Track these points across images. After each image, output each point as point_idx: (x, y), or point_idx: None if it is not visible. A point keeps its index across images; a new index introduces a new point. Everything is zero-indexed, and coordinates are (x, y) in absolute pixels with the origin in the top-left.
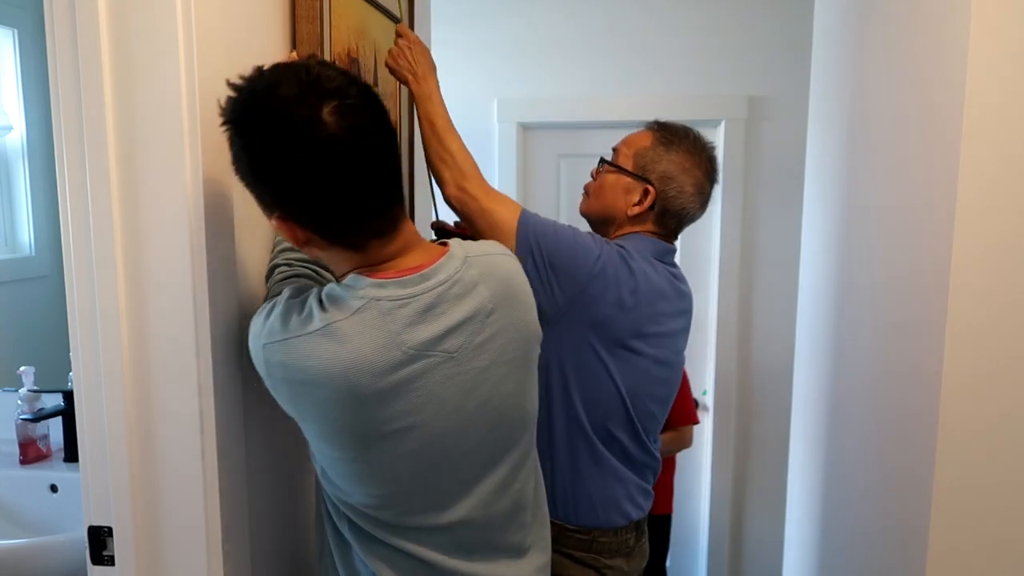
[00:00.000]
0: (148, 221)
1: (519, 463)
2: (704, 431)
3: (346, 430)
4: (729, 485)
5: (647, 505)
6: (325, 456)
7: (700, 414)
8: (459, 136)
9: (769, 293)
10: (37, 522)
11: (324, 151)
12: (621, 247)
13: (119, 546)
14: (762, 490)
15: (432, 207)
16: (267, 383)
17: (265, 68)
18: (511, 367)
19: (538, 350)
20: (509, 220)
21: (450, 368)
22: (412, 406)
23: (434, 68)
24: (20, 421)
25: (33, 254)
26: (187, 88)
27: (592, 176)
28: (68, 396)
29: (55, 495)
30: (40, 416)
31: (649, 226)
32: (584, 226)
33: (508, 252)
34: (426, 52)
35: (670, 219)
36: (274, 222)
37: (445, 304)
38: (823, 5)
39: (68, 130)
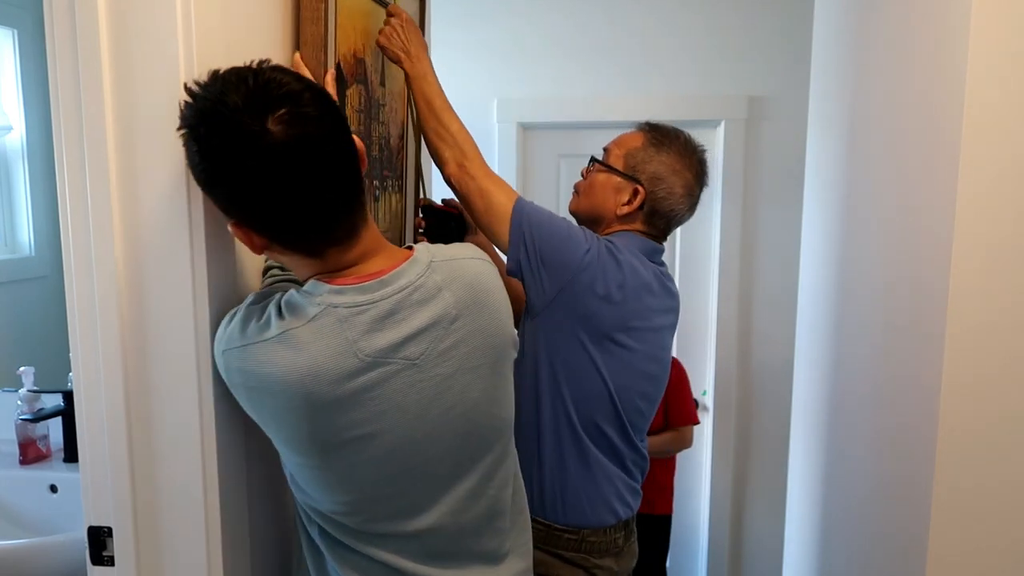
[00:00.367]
0: (148, 221)
1: (492, 470)
2: (704, 431)
3: (306, 437)
4: (729, 485)
5: (636, 504)
6: (292, 462)
7: (700, 414)
8: (457, 115)
9: (769, 293)
10: (37, 522)
11: (271, 161)
12: (610, 242)
13: (119, 546)
14: (762, 490)
15: (420, 186)
16: (230, 389)
17: (220, 73)
18: (478, 374)
19: (512, 355)
20: (505, 204)
21: (411, 375)
22: (372, 414)
23: (426, 48)
24: (20, 421)
25: (33, 254)
26: None
27: (582, 175)
28: (68, 396)
29: (55, 495)
30: (40, 416)
31: (638, 225)
32: None
33: (479, 256)
34: (418, 32)
35: (659, 220)
36: (230, 228)
37: (405, 310)
38: (823, 5)
39: (68, 130)
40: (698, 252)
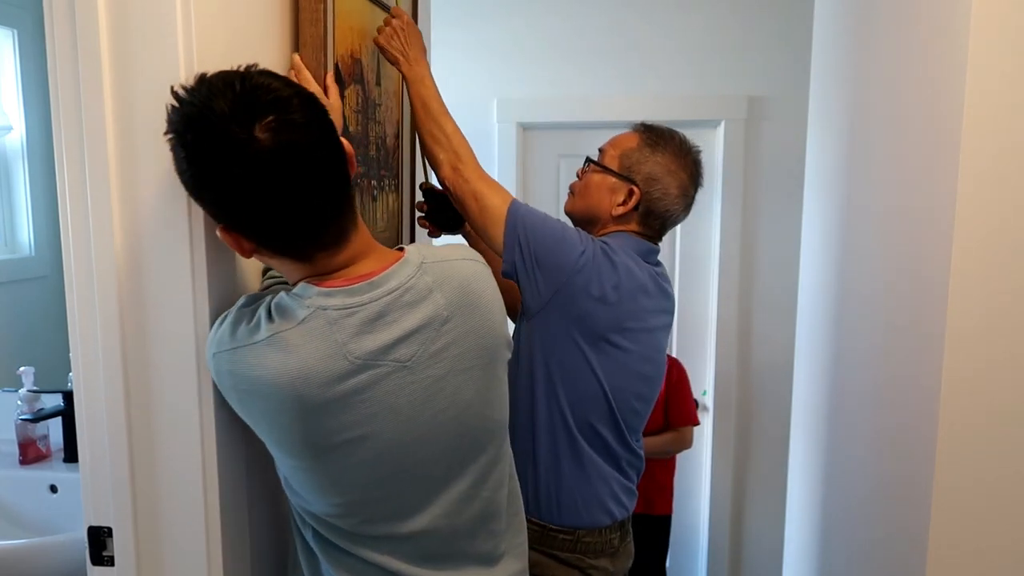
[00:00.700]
0: (148, 221)
1: (486, 471)
2: (704, 431)
3: (297, 440)
4: (729, 485)
5: (632, 504)
6: (284, 465)
7: (700, 414)
8: (453, 118)
9: (769, 293)
10: (37, 522)
11: (258, 168)
12: (605, 243)
13: (119, 546)
14: (762, 490)
15: (422, 169)
16: (222, 392)
17: (206, 77)
18: (470, 375)
19: (506, 356)
20: (499, 207)
21: (402, 377)
22: (363, 416)
23: (425, 51)
24: (20, 421)
25: (33, 254)
26: None
27: (578, 176)
28: (68, 396)
29: (55, 495)
30: (40, 416)
31: (633, 226)
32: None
33: (472, 257)
34: (418, 35)
35: (654, 220)
36: (219, 232)
37: (396, 312)
38: (823, 5)
39: (68, 130)
40: (698, 252)
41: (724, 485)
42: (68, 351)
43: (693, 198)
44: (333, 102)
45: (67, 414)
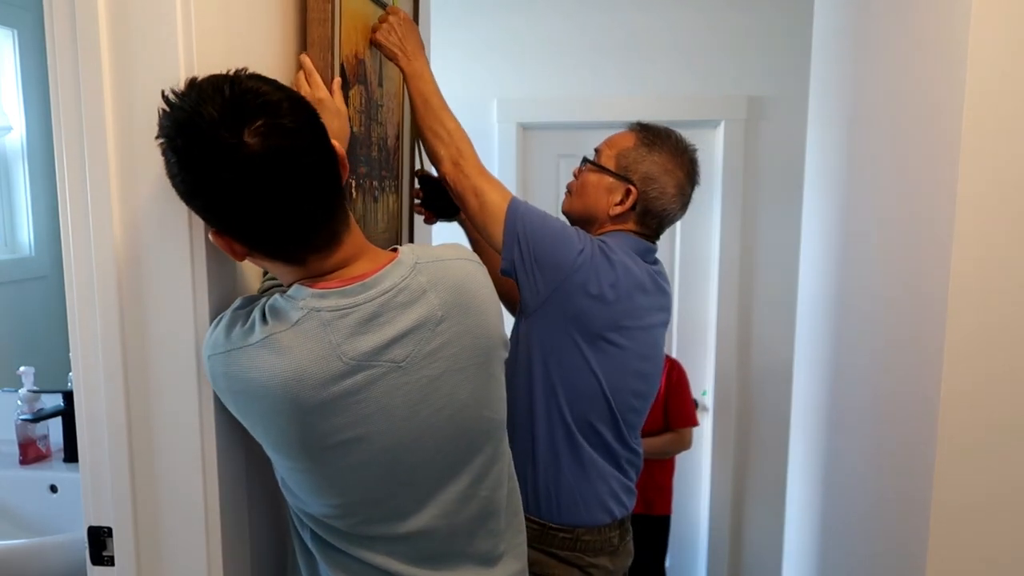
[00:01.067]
0: (148, 221)
1: (484, 471)
2: (704, 432)
3: (293, 441)
4: (729, 486)
5: (631, 503)
6: (281, 466)
7: (700, 415)
8: (453, 114)
9: (769, 294)
10: (37, 522)
11: (249, 173)
12: (603, 242)
13: (119, 546)
14: (762, 491)
15: (418, 156)
16: (218, 394)
17: (196, 81)
18: (466, 375)
19: (502, 355)
20: (499, 204)
21: (397, 378)
22: (358, 417)
23: (422, 47)
24: (20, 421)
25: (33, 254)
26: None
27: (574, 175)
28: (68, 396)
29: (55, 495)
30: (40, 416)
31: (631, 225)
32: None
33: (466, 256)
34: (415, 30)
35: (651, 219)
36: (211, 236)
37: (390, 313)
38: (823, 5)
39: (68, 130)
40: (698, 252)
41: (724, 485)
42: (68, 351)
43: (690, 197)
44: (340, 107)
45: (67, 414)
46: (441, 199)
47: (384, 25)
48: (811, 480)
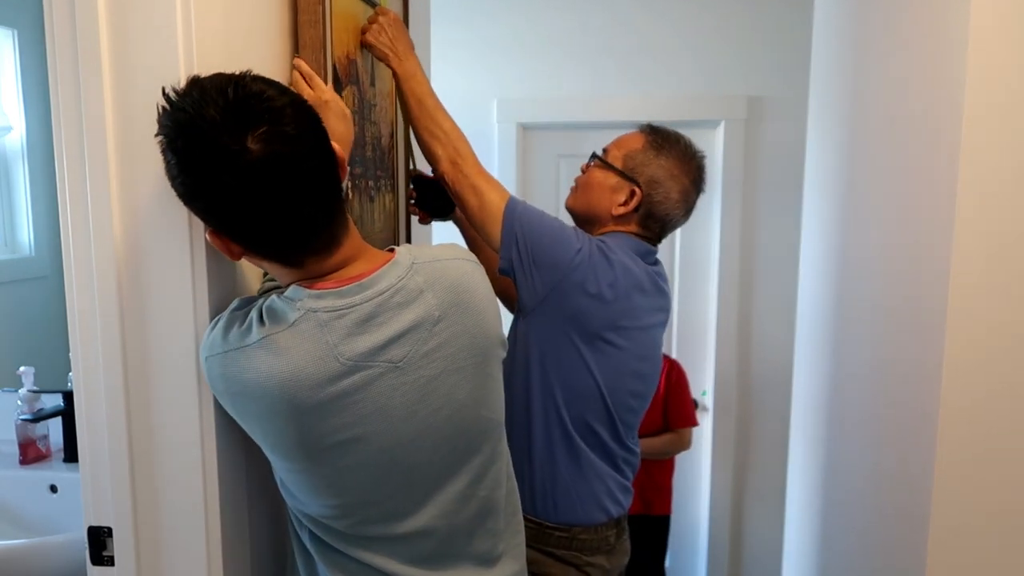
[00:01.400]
0: (148, 221)
1: (483, 470)
2: (704, 431)
3: (291, 442)
4: (729, 485)
5: (628, 502)
6: (280, 467)
7: (700, 414)
8: (448, 113)
9: (769, 293)
10: (37, 522)
11: (250, 178)
12: (602, 242)
13: (119, 546)
14: (762, 490)
15: (410, 157)
16: (216, 396)
17: (199, 80)
18: (464, 375)
19: (500, 355)
20: (497, 203)
21: (395, 378)
22: (356, 417)
23: (412, 47)
24: (20, 421)
25: (33, 254)
26: None
27: (582, 170)
28: (68, 396)
29: (55, 495)
30: (40, 416)
31: (633, 227)
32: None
33: (464, 256)
34: (404, 31)
35: (654, 223)
36: (207, 235)
37: (387, 313)
38: (823, 5)
39: (68, 130)
40: (698, 252)
41: (724, 485)
42: (68, 351)
43: (694, 204)
44: (345, 109)
45: (67, 414)
46: (435, 199)
47: (374, 26)
48: (811, 485)
